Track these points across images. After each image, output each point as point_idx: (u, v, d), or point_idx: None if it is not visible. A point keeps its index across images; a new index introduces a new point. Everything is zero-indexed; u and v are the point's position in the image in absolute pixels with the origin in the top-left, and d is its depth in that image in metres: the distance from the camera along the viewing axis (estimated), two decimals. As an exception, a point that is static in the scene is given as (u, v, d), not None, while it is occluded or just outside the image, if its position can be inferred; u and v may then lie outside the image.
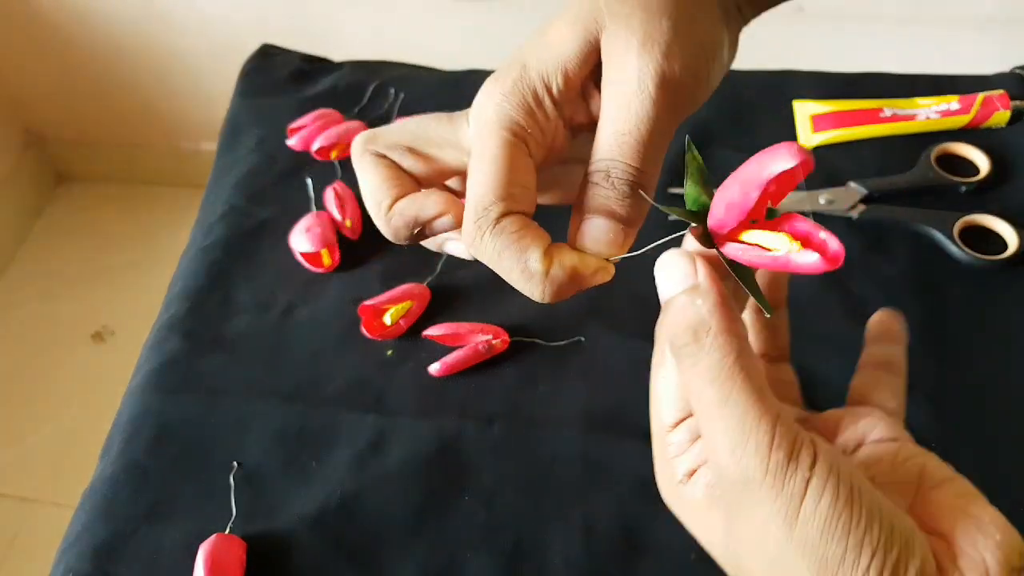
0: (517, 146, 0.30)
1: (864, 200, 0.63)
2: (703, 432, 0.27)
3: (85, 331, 1.48)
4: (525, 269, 0.29)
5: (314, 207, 0.67)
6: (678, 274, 0.29)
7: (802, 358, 0.55)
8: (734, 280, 0.29)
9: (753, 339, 0.37)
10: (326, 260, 0.62)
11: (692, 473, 0.30)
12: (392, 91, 0.75)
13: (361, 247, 0.64)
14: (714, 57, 0.31)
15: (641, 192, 0.29)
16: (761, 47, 1.27)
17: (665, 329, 0.29)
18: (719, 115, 0.69)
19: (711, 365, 0.27)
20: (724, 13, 0.32)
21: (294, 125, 0.72)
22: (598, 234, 0.30)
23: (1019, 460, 0.51)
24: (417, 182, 0.34)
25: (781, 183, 0.26)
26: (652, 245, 0.30)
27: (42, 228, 1.65)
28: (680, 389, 0.30)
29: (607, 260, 0.31)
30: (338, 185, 0.67)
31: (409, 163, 0.34)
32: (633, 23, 0.29)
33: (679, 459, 0.30)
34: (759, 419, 0.26)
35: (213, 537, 0.49)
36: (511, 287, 0.64)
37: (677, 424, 0.30)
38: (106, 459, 0.56)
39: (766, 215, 0.28)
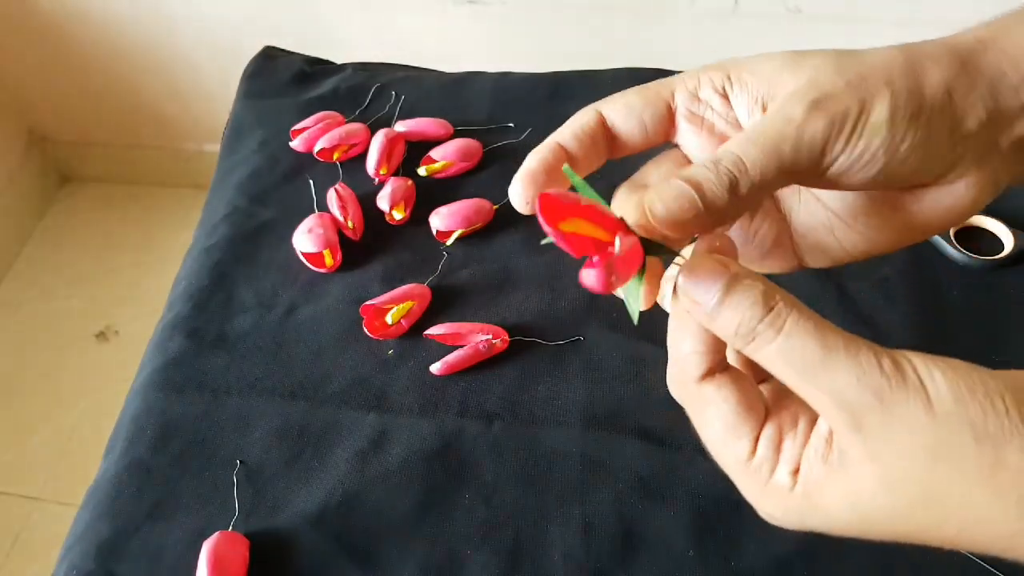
0: None
1: (861, 201, 0.63)
2: (813, 389, 0.26)
3: (89, 330, 1.49)
4: None
5: (316, 208, 0.67)
6: (710, 273, 0.28)
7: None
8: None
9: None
10: (328, 260, 0.63)
11: (796, 471, 0.28)
12: (393, 93, 0.76)
13: (363, 248, 0.65)
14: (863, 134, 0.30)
15: (736, 192, 0.28)
16: (761, 47, 1.27)
17: (733, 322, 0.27)
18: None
19: (795, 325, 0.26)
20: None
21: (297, 127, 0.72)
22: (669, 191, 0.27)
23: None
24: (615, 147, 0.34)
25: None
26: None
27: (45, 228, 1.66)
28: (738, 411, 0.29)
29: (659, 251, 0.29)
30: (340, 186, 0.67)
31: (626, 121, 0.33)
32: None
33: (777, 472, 0.28)
34: (859, 350, 0.25)
35: (216, 535, 0.50)
36: (511, 287, 0.64)
37: (754, 448, 0.29)
38: (110, 457, 0.56)
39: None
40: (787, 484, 0.28)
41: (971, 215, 0.33)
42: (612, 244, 0.27)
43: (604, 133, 0.33)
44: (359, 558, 0.50)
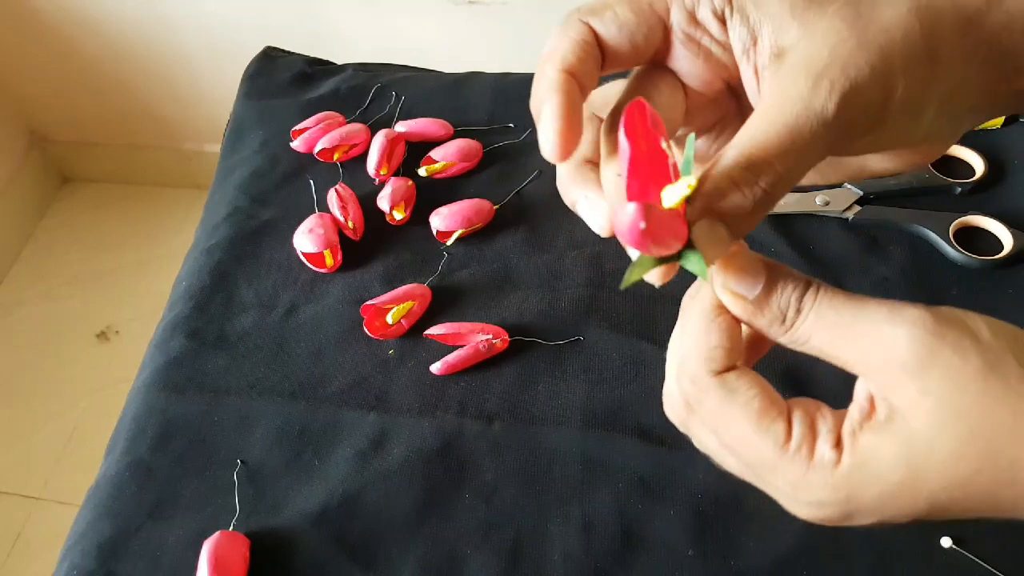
0: None
1: (860, 201, 0.63)
2: (855, 357, 0.26)
3: (90, 331, 1.49)
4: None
5: (317, 208, 0.67)
6: (751, 271, 0.28)
7: (796, 358, 0.55)
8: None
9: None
10: (329, 261, 0.63)
11: (839, 443, 0.27)
12: (394, 94, 0.76)
13: (363, 248, 0.65)
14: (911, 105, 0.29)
15: (772, 206, 0.27)
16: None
17: (781, 307, 0.27)
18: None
19: (835, 297, 0.27)
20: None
21: (297, 127, 0.73)
22: (713, 236, 0.26)
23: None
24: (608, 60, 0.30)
25: (640, 129, 0.25)
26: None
27: (46, 229, 1.66)
28: (766, 395, 0.28)
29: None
30: (340, 187, 0.67)
31: (617, 28, 0.30)
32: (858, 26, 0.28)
33: (819, 448, 0.27)
34: (902, 308, 0.26)
35: (217, 534, 0.50)
36: (511, 288, 0.64)
37: (789, 429, 0.27)
38: (111, 457, 0.56)
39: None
40: (832, 458, 0.26)
41: (926, 163, 0.34)
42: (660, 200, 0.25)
43: (597, 50, 0.30)
44: (359, 558, 0.50)
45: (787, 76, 0.28)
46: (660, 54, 0.31)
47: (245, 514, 0.52)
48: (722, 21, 0.30)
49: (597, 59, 0.30)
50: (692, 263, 0.26)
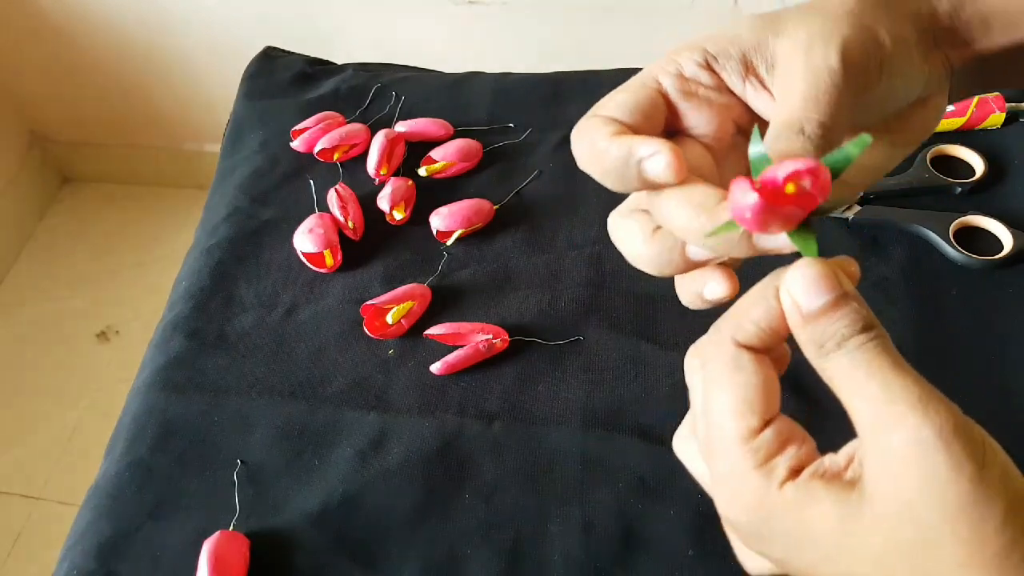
0: None
1: (860, 201, 0.63)
2: (863, 409, 0.26)
3: (90, 331, 1.49)
4: None
5: (317, 208, 0.67)
6: (826, 282, 0.27)
7: (799, 358, 0.55)
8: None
9: None
10: (329, 261, 0.63)
11: (798, 471, 0.27)
12: (394, 94, 0.76)
13: (363, 248, 0.65)
14: (888, 63, 0.32)
15: (827, 150, 0.29)
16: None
17: (827, 333, 0.27)
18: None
19: (884, 352, 0.26)
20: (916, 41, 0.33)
21: (297, 127, 0.73)
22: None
23: (1016, 459, 0.51)
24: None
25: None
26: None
27: (46, 229, 1.66)
28: (760, 390, 0.28)
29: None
30: (340, 187, 0.67)
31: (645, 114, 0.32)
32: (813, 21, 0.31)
33: (775, 461, 0.27)
34: (929, 404, 0.25)
35: (217, 534, 0.50)
36: (511, 288, 0.65)
37: (760, 429, 0.27)
38: (111, 457, 0.56)
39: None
40: (780, 477, 0.27)
41: (934, 130, 0.36)
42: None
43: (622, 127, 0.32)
44: (359, 557, 0.50)
45: (784, 65, 0.31)
46: (669, 119, 0.33)
47: (245, 514, 0.52)
48: (709, 69, 0.33)
49: (627, 131, 0.31)
50: (804, 246, 0.27)
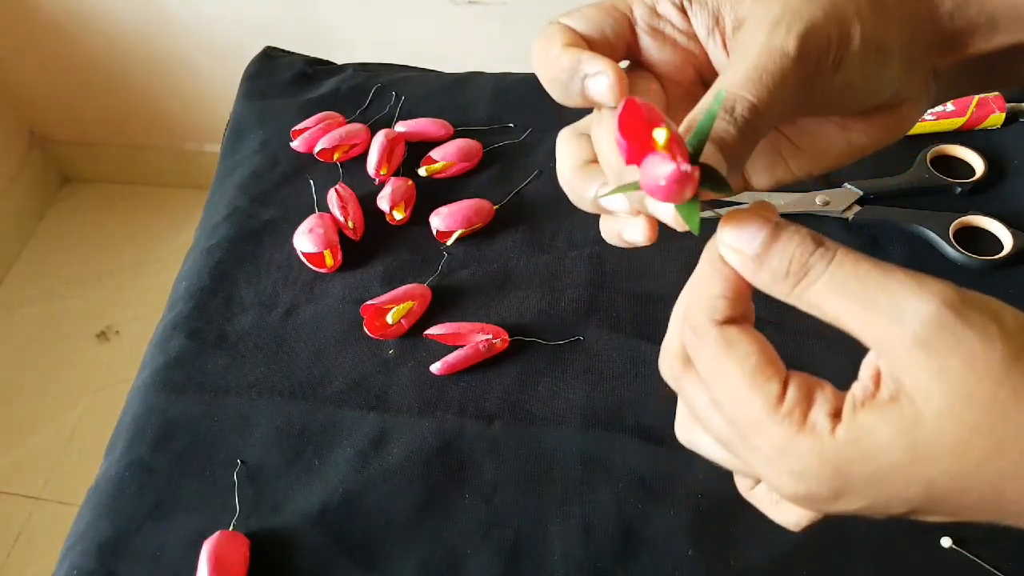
0: None
1: (860, 201, 0.63)
2: (867, 327, 0.25)
3: (90, 331, 1.49)
4: None
5: (317, 208, 0.67)
6: (753, 224, 0.27)
7: (799, 357, 0.55)
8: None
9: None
10: (328, 261, 0.63)
11: (836, 414, 0.25)
12: (393, 94, 0.76)
13: (363, 248, 0.65)
14: (848, 62, 0.30)
15: (754, 138, 0.28)
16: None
17: (783, 264, 0.26)
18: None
19: (842, 261, 0.26)
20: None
21: (297, 127, 0.73)
22: (712, 160, 0.27)
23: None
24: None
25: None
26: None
27: (46, 229, 1.66)
28: (763, 353, 0.27)
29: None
30: (340, 187, 0.67)
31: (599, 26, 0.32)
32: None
33: (813, 414, 0.25)
34: (929, 282, 0.25)
35: (217, 534, 0.50)
36: (511, 287, 0.65)
37: (783, 390, 0.26)
38: (111, 457, 0.56)
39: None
40: (824, 427, 0.25)
41: (904, 133, 0.34)
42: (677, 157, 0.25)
43: (580, 38, 0.32)
44: (359, 557, 0.50)
45: (746, 33, 0.29)
46: (632, 48, 0.33)
47: (245, 514, 0.52)
48: (682, 11, 0.32)
49: (583, 44, 0.31)
50: (713, 189, 0.26)
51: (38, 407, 1.39)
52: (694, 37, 0.32)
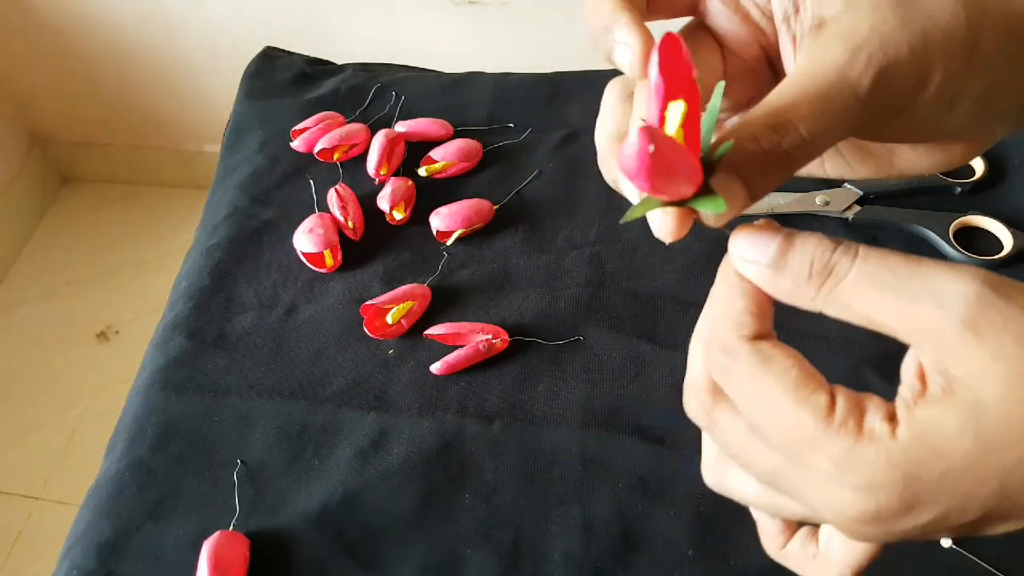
0: None
1: (859, 201, 0.63)
2: (906, 321, 0.23)
3: (90, 331, 1.49)
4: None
5: (317, 208, 0.67)
6: (765, 234, 0.26)
7: (813, 361, 0.55)
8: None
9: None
10: (328, 260, 0.63)
11: (892, 417, 0.24)
12: (393, 94, 0.76)
13: (363, 248, 0.65)
14: (913, 107, 0.27)
15: (790, 173, 0.26)
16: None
17: (804, 268, 0.25)
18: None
19: (867, 257, 0.24)
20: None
21: (297, 127, 0.73)
22: (728, 188, 0.25)
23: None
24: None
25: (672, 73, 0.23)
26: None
27: (46, 229, 1.66)
28: (804, 366, 0.25)
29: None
30: (340, 187, 0.67)
31: None
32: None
33: (868, 420, 0.23)
34: (960, 267, 0.23)
35: (217, 534, 0.50)
36: (511, 288, 0.65)
37: (832, 400, 0.24)
38: (111, 457, 0.56)
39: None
40: (885, 430, 0.23)
41: (967, 161, 0.32)
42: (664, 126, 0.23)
43: None
44: (359, 558, 0.50)
45: (825, 45, 0.27)
46: (699, 9, 0.30)
47: (245, 514, 0.52)
48: None
49: (640, 3, 0.29)
50: (705, 206, 0.24)
51: (38, 407, 1.39)
52: (769, 16, 0.30)
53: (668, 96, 0.23)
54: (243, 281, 0.64)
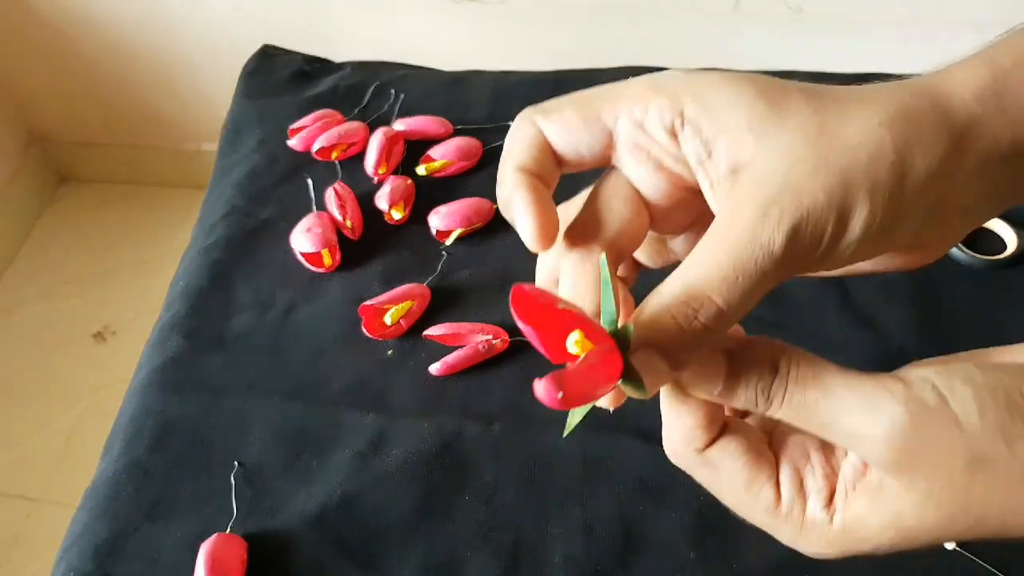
0: None
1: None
2: (834, 435, 0.26)
3: (87, 331, 1.48)
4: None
5: (315, 207, 0.67)
6: (708, 368, 0.27)
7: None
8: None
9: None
10: (327, 260, 0.63)
11: (829, 502, 0.27)
12: (392, 92, 0.75)
13: (362, 247, 0.64)
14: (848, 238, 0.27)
15: (712, 342, 0.26)
16: (762, 48, 1.28)
17: (746, 396, 0.27)
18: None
19: (797, 380, 0.26)
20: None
21: (295, 126, 0.72)
22: (650, 367, 0.25)
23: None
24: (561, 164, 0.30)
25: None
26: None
27: (44, 228, 1.66)
28: (750, 466, 0.28)
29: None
30: (339, 185, 0.67)
31: (566, 135, 0.30)
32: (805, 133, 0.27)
33: (809, 508, 0.27)
34: (861, 384, 0.26)
35: (214, 536, 0.49)
36: (511, 287, 0.64)
37: (778, 494, 0.28)
38: (108, 458, 0.56)
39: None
40: (823, 519, 0.27)
41: (938, 257, 0.31)
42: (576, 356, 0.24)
43: (550, 151, 0.31)
44: (358, 560, 0.49)
45: (737, 200, 0.26)
46: (608, 158, 0.30)
47: (243, 516, 0.51)
48: (673, 135, 0.29)
49: (552, 159, 0.30)
50: (632, 390, 0.25)
51: (35, 408, 1.39)
52: (684, 163, 0.29)
53: (544, 341, 0.24)
54: (241, 281, 0.63)
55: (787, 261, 0.26)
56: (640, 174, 0.30)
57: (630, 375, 0.25)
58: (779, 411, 0.27)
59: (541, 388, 0.23)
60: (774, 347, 0.27)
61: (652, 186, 0.30)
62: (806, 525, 0.27)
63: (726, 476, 0.28)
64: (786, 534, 0.28)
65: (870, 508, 0.26)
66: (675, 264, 0.30)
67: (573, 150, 0.30)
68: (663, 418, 0.29)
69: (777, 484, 0.28)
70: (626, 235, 0.30)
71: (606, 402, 0.28)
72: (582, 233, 0.30)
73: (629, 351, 0.25)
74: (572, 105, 0.30)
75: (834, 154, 0.26)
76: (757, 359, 0.27)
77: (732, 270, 0.25)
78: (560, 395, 0.23)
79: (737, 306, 0.25)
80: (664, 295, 0.26)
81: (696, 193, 0.30)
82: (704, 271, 0.25)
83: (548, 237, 0.29)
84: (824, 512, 0.27)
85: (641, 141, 0.29)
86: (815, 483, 0.27)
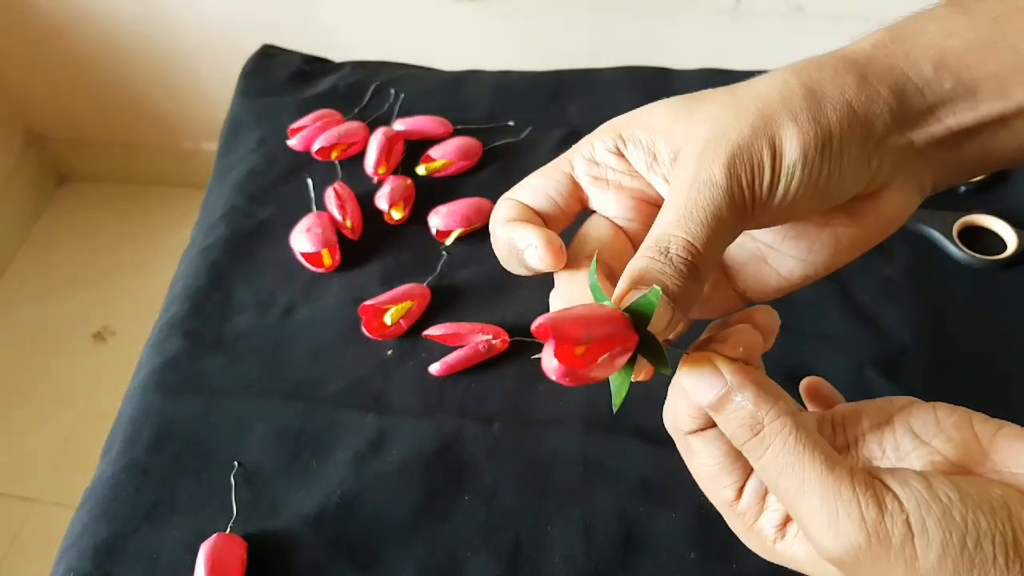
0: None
1: (863, 200, 0.63)
2: (794, 515, 0.28)
3: (86, 331, 1.48)
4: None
5: (314, 207, 0.67)
6: (708, 379, 0.29)
7: (801, 358, 0.55)
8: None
9: None
10: (326, 260, 0.63)
11: (784, 525, 0.31)
12: (392, 91, 0.75)
13: (361, 247, 0.64)
14: (789, 171, 0.29)
15: (697, 276, 0.28)
16: (762, 47, 1.27)
17: (727, 430, 0.30)
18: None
19: (776, 453, 0.28)
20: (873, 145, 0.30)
21: (295, 125, 0.72)
22: (649, 303, 0.28)
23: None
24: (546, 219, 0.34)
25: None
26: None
27: (43, 228, 1.65)
28: (722, 465, 0.32)
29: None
30: (338, 185, 0.67)
31: (543, 199, 0.33)
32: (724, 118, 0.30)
33: (761, 521, 0.31)
34: (838, 489, 0.26)
35: (214, 537, 0.49)
36: (511, 287, 0.64)
37: (739, 494, 0.32)
38: (107, 459, 0.56)
39: None
40: (770, 535, 0.31)
41: (900, 224, 0.33)
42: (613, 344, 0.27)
43: (533, 213, 0.33)
44: (358, 560, 0.49)
45: (678, 167, 0.30)
46: (585, 202, 0.34)
47: (242, 516, 0.51)
48: (619, 155, 0.33)
49: (535, 217, 0.33)
50: (650, 353, 0.28)
51: (34, 408, 1.39)
52: (639, 175, 0.33)
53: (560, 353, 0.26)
54: (240, 281, 0.63)
55: (735, 194, 0.28)
56: (607, 202, 0.33)
57: (650, 346, 0.27)
58: (763, 456, 0.29)
59: (550, 369, 0.25)
60: (766, 400, 0.29)
61: (622, 209, 0.33)
62: (753, 529, 0.31)
63: (699, 463, 0.32)
64: (734, 526, 0.33)
65: (810, 563, 0.30)
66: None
67: (546, 201, 0.33)
68: (669, 393, 0.32)
69: (742, 488, 0.32)
70: (609, 249, 0.33)
71: (643, 375, 0.30)
72: (570, 259, 0.33)
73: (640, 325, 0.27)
74: (536, 173, 0.34)
75: (749, 101, 0.29)
76: (745, 405, 0.29)
77: (685, 206, 0.28)
78: (567, 380, 0.26)
79: (702, 237, 0.28)
80: (639, 250, 0.29)
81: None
82: (664, 219, 0.29)
83: (557, 250, 0.31)
84: (775, 531, 0.31)
85: (596, 172, 0.33)
86: (779, 511, 0.31)
